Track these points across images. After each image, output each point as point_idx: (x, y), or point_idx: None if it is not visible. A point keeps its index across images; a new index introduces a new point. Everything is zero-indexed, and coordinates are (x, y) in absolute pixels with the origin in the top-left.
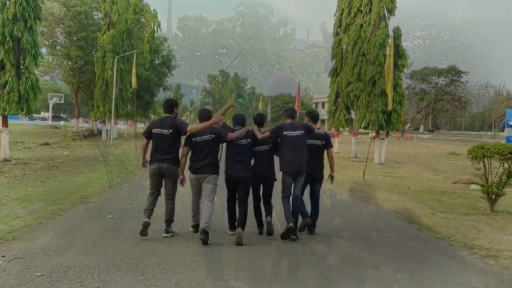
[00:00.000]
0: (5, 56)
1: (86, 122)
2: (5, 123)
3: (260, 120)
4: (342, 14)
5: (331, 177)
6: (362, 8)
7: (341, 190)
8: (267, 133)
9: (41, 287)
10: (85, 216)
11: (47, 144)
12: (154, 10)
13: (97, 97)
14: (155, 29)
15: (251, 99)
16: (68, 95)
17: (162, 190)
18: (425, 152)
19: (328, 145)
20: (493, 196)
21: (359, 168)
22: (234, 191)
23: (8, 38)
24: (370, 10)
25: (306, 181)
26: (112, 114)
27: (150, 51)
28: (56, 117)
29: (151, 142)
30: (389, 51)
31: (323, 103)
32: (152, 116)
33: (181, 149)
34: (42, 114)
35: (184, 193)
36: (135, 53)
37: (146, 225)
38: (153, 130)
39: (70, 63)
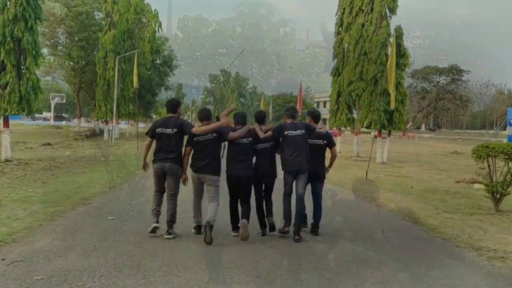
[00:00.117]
0: (5, 57)
1: (88, 122)
2: (6, 124)
3: (261, 118)
4: (343, 13)
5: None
6: (363, 7)
7: (344, 189)
8: (269, 133)
9: None
10: (86, 217)
11: (48, 144)
12: (155, 10)
13: (99, 97)
14: (156, 29)
15: (252, 99)
16: (70, 95)
17: None
18: (427, 151)
19: (330, 144)
20: (498, 196)
21: (361, 167)
22: (235, 190)
23: (8, 39)
24: (372, 9)
25: (307, 180)
26: (114, 113)
27: (151, 51)
28: (58, 117)
29: (154, 142)
30: (392, 50)
31: (324, 102)
32: (154, 116)
33: (183, 148)
34: (44, 114)
35: (185, 192)
36: (136, 53)
37: (155, 229)
38: (157, 130)
39: (71, 63)
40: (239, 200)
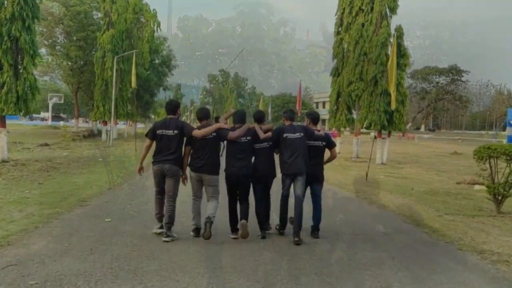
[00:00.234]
0: (2, 57)
1: (86, 122)
2: (2, 124)
3: (259, 118)
4: (343, 13)
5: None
6: (363, 7)
7: (344, 191)
8: (269, 133)
9: None
10: (83, 219)
11: (46, 144)
12: (153, 10)
13: (97, 97)
14: (155, 29)
15: (251, 99)
16: (68, 95)
17: None
18: (427, 152)
19: (330, 145)
20: (500, 197)
21: (361, 168)
22: (234, 190)
23: (5, 38)
24: (372, 9)
25: (306, 182)
26: (112, 114)
27: (150, 51)
28: (56, 117)
29: (154, 144)
30: (392, 50)
31: (323, 103)
32: (152, 116)
33: (183, 149)
34: (42, 114)
35: (185, 192)
36: (134, 53)
37: (161, 232)
38: (157, 131)
39: (69, 63)
40: (237, 200)
